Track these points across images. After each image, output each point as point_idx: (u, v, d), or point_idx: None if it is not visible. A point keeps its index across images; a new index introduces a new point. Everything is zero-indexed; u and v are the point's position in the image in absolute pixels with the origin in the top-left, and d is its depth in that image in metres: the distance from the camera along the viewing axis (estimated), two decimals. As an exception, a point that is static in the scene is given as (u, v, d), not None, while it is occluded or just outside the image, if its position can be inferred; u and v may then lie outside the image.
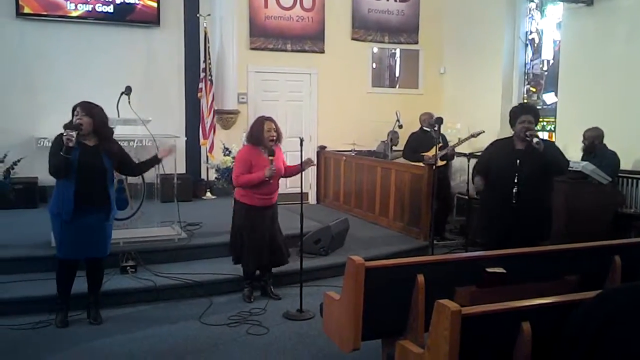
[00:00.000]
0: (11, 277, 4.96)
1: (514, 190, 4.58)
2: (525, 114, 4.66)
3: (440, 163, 6.47)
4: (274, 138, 4.92)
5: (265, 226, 4.98)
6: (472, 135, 7.09)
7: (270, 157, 4.84)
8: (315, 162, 4.96)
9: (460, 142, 7.24)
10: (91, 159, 4.20)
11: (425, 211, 6.77)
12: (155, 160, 4.76)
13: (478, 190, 5.05)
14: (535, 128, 4.76)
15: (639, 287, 1.85)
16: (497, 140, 5.15)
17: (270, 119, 5.00)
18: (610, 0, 6.80)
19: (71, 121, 4.24)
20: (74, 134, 4.04)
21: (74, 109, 4.26)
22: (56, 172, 4.16)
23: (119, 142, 4.61)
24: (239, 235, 5.02)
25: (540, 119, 8.17)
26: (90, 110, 4.24)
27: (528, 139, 4.53)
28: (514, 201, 4.58)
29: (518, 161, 4.60)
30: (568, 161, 4.91)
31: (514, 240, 4.59)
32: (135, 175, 5.19)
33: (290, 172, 5.18)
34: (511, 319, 2.44)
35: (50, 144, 4.34)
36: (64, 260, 4.33)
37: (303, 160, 4.99)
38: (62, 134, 4.12)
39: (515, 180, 4.57)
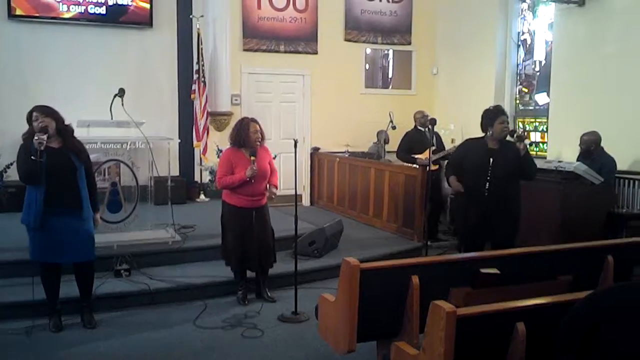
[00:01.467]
0: (4, 281, 4.94)
1: (486, 187, 4.78)
2: (502, 114, 4.87)
3: (433, 167, 6.49)
4: (260, 139, 4.92)
5: (253, 228, 4.91)
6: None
7: (252, 157, 4.80)
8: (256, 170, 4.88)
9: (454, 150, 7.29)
10: (60, 160, 4.15)
11: (419, 212, 6.79)
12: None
13: (457, 190, 5.21)
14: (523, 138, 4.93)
15: (626, 288, 1.87)
16: (467, 139, 5.31)
17: (254, 120, 4.98)
18: (601, 1, 6.83)
19: (28, 130, 4.18)
20: (44, 136, 4.01)
21: (30, 115, 4.20)
22: (29, 178, 4.10)
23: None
24: (225, 236, 5.02)
25: (533, 119, 8.28)
26: (49, 112, 4.21)
27: (513, 139, 4.77)
28: (485, 198, 4.78)
29: (491, 159, 4.80)
30: (536, 167, 5.05)
31: (488, 237, 4.78)
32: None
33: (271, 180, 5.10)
34: (506, 320, 2.46)
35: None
36: (41, 264, 4.27)
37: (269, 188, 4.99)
38: (26, 141, 4.10)
39: (488, 177, 4.78)
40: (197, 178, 8.74)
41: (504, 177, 4.75)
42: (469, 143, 5.17)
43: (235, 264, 5.01)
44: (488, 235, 4.88)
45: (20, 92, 7.82)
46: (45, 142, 4.00)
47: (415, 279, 3.06)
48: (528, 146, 4.94)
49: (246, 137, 4.87)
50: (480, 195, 4.82)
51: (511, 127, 4.98)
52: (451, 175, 5.19)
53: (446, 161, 7.70)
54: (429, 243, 6.39)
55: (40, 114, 4.16)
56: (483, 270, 3.21)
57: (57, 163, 4.13)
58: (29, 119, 4.21)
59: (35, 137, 3.99)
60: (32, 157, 3.98)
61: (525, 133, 4.78)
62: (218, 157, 6.63)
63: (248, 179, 4.80)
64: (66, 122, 4.32)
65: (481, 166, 4.83)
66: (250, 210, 4.92)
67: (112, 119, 6.32)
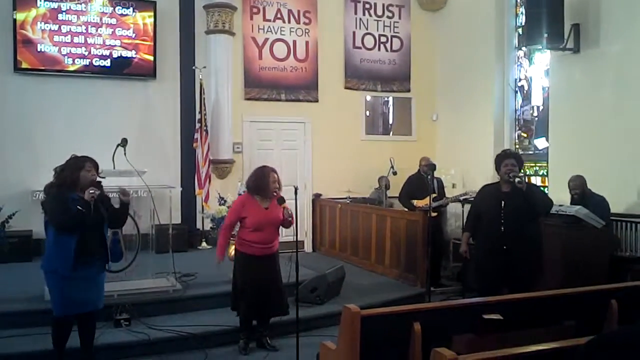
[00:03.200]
0: (7, 332, 4.88)
1: (501, 230, 4.77)
2: (508, 158, 4.94)
3: (433, 214, 6.50)
4: (277, 189, 4.97)
5: (264, 276, 4.92)
6: (467, 194, 7.14)
7: (284, 205, 4.89)
8: (291, 212, 4.95)
9: (454, 199, 7.36)
10: (91, 212, 4.17)
11: (421, 258, 6.75)
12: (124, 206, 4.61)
13: (462, 250, 5.35)
14: (520, 172, 4.97)
15: (626, 334, 1.86)
16: (485, 185, 5.35)
17: (274, 170, 5.04)
18: (595, 48, 6.98)
19: (70, 176, 4.18)
20: (98, 191, 4.12)
21: (83, 162, 4.23)
22: (69, 228, 4.10)
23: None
24: (236, 285, 5.00)
25: (533, 164, 8.33)
26: (97, 166, 4.32)
27: (511, 179, 4.77)
28: (501, 242, 4.76)
29: (503, 203, 4.82)
30: (552, 202, 5.11)
31: (506, 282, 4.71)
32: (115, 222, 4.73)
33: (284, 224, 5.10)
34: (509, 367, 2.42)
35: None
36: (60, 318, 4.22)
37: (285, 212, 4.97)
38: (62, 189, 4.12)
39: (502, 221, 4.78)
40: (199, 225, 8.74)
41: (516, 219, 4.74)
42: (484, 189, 5.22)
43: (245, 310, 4.95)
44: (504, 279, 4.82)
45: (24, 144, 7.93)
46: (96, 196, 4.10)
47: (417, 326, 3.02)
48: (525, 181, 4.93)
49: (265, 185, 4.91)
50: (494, 240, 4.82)
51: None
52: (465, 232, 5.32)
53: (445, 207, 7.80)
54: (432, 288, 6.34)
55: (93, 167, 4.26)
56: (485, 316, 3.18)
57: (97, 212, 4.19)
58: (77, 167, 4.20)
59: (90, 190, 4.07)
60: (79, 207, 4.04)
61: (524, 177, 4.80)
62: (220, 204, 6.64)
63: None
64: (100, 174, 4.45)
65: (494, 210, 4.87)
66: (264, 258, 4.92)
67: (114, 168, 6.37)
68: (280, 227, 5.08)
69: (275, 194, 4.95)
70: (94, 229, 4.20)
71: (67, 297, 4.15)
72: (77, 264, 4.10)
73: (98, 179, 4.28)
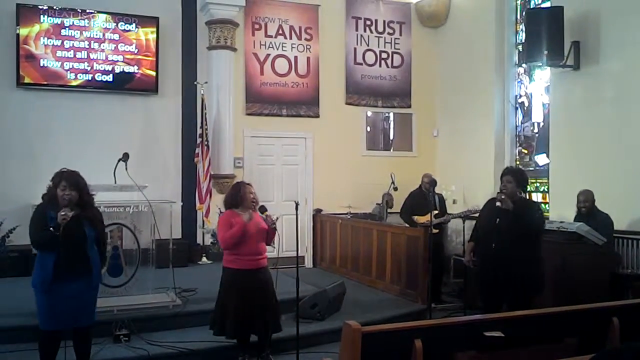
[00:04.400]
0: (6, 347, 4.86)
1: (492, 247, 4.84)
2: (505, 175, 4.99)
3: (434, 230, 6.50)
4: (255, 201, 5.04)
5: (255, 291, 4.87)
6: (469, 211, 7.16)
7: (266, 213, 4.97)
8: (274, 219, 5.00)
9: (456, 216, 7.37)
10: (73, 229, 4.08)
11: (422, 274, 6.73)
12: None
13: (465, 260, 5.41)
14: (523, 188, 5.04)
15: (632, 350, 1.85)
16: (490, 199, 5.33)
17: (249, 184, 5.17)
18: (595, 64, 7.02)
19: (50, 192, 4.16)
20: (70, 214, 3.99)
21: (59, 180, 4.15)
22: (41, 247, 4.09)
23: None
24: (222, 304, 4.91)
25: (533, 180, 8.33)
26: (77, 183, 4.17)
27: (496, 197, 4.84)
28: (492, 257, 4.83)
29: (498, 219, 4.87)
30: (543, 222, 5.12)
31: (502, 298, 4.72)
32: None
33: (268, 233, 5.10)
34: (511, 385, 2.41)
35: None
36: (45, 332, 4.18)
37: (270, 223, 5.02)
38: (44, 206, 4.11)
39: (494, 237, 4.85)
40: (199, 240, 8.73)
41: (509, 235, 4.76)
42: (489, 202, 5.23)
43: (232, 328, 4.86)
44: (500, 295, 4.86)
45: (25, 158, 7.94)
46: (69, 219, 3.97)
47: (418, 343, 3.00)
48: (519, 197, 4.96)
49: (243, 195, 4.98)
50: (489, 254, 4.89)
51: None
52: (469, 242, 5.37)
53: (446, 224, 7.81)
54: (433, 305, 6.31)
55: (68, 185, 4.11)
56: (487, 334, 3.16)
57: (70, 232, 4.05)
58: (55, 183, 4.16)
59: (62, 212, 3.95)
60: (51, 227, 3.96)
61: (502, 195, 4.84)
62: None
63: (246, 221, 4.86)
64: (91, 192, 4.35)
65: (489, 225, 4.95)
66: (253, 271, 4.89)
67: (115, 183, 6.38)
68: (266, 244, 5.07)
69: (254, 203, 5.01)
70: (75, 247, 4.10)
71: (50, 313, 4.11)
72: (56, 281, 4.04)
73: (92, 192, 4.21)
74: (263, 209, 5.00)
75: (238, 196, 5.00)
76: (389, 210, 8.56)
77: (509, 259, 4.75)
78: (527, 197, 5.56)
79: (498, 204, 4.76)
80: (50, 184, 4.23)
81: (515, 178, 4.95)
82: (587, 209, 6.13)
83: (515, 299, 4.72)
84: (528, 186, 5.52)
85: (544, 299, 4.99)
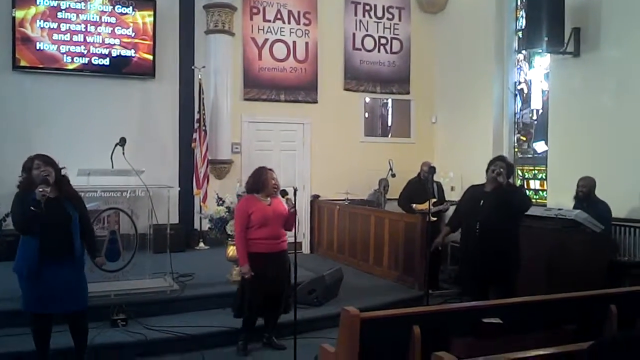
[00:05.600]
0: (4, 330, 4.85)
1: (476, 227, 4.91)
2: (496, 161, 5.10)
3: (432, 218, 6.49)
4: (277, 187, 5.03)
5: (275, 272, 4.90)
6: None
7: (287, 197, 4.95)
8: (293, 202, 5.04)
9: (454, 203, 7.34)
10: (55, 209, 4.07)
11: (419, 260, 6.74)
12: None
13: (435, 244, 5.69)
14: (509, 178, 5.10)
15: (629, 339, 1.86)
16: (471, 186, 5.42)
17: (272, 170, 5.13)
18: (596, 51, 6.98)
19: (26, 178, 4.15)
20: (48, 188, 3.94)
21: (30, 162, 4.15)
22: (25, 229, 4.05)
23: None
24: (244, 286, 4.93)
25: (532, 167, 8.34)
26: (50, 161, 4.16)
27: (493, 174, 4.93)
28: (476, 236, 4.91)
29: (482, 202, 4.97)
30: (530, 202, 5.27)
31: (489, 280, 4.88)
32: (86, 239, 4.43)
33: (288, 218, 5.11)
34: (509, 371, 2.41)
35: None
36: (33, 314, 4.15)
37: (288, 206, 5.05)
38: (23, 190, 4.08)
39: (478, 219, 4.92)
40: (196, 226, 8.71)
41: (491, 217, 4.84)
42: (469, 189, 5.34)
43: (255, 309, 4.91)
44: (483, 277, 4.93)
45: (22, 142, 7.84)
46: (48, 193, 3.93)
47: (416, 329, 3.00)
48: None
49: (265, 181, 4.99)
50: (471, 237, 4.97)
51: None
52: (446, 226, 5.53)
53: (445, 212, 7.81)
54: (430, 291, 6.32)
55: (42, 163, 4.11)
56: (485, 320, 3.16)
57: (53, 212, 4.03)
58: (28, 167, 4.15)
59: (39, 189, 3.90)
60: (31, 207, 3.89)
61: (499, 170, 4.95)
62: (218, 205, 6.60)
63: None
64: (63, 170, 4.28)
65: (472, 209, 5.04)
66: (273, 255, 4.92)
67: (112, 167, 6.35)
68: (285, 230, 5.08)
69: (275, 189, 5.02)
70: (57, 228, 4.07)
71: (35, 297, 4.07)
72: (42, 265, 4.02)
73: (64, 172, 4.18)
74: (284, 193, 4.97)
75: (260, 182, 5.01)
76: (387, 197, 8.55)
77: (495, 238, 4.82)
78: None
79: (500, 179, 4.84)
80: (23, 174, 4.20)
81: (507, 165, 5.06)
82: (584, 194, 6.13)
83: (499, 278, 4.85)
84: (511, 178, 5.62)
85: (541, 285, 5.00)
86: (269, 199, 5.00)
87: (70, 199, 4.23)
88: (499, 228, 4.84)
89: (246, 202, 5.03)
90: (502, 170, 4.93)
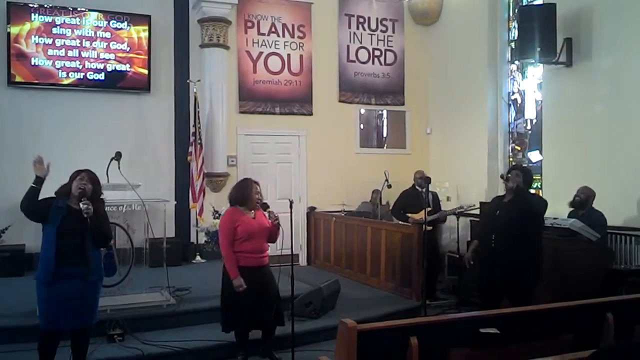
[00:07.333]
0: (1, 347, 4.83)
1: (492, 239, 4.94)
2: (512, 170, 5.20)
3: (428, 228, 6.49)
4: (259, 200, 5.02)
5: (263, 286, 4.88)
6: (462, 207, 7.21)
7: (268, 210, 4.97)
8: (277, 215, 5.04)
9: (450, 212, 7.38)
10: (76, 221, 4.14)
11: (416, 271, 6.73)
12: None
13: (466, 258, 5.48)
14: (529, 185, 5.16)
15: (628, 347, 1.86)
16: (495, 197, 5.53)
17: (256, 182, 5.10)
18: (588, 61, 7.03)
19: (65, 185, 4.25)
20: (91, 208, 4.12)
21: (77, 173, 4.30)
22: (24, 203, 4.18)
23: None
24: (228, 300, 4.91)
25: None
26: (95, 179, 4.34)
27: (502, 179, 5.04)
28: (492, 246, 4.94)
29: (497, 212, 5.01)
30: (545, 202, 5.25)
31: (503, 289, 4.81)
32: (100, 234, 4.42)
33: (272, 231, 5.11)
34: (507, 382, 2.40)
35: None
36: (45, 331, 4.19)
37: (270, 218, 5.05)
38: (56, 194, 4.24)
39: (494, 230, 4.98)
40: (193, 239, 8.69)
41: (506, 227, 4.86)
42: (493, 200, 5.45)
43: (244, 323, 4.89)
44: (498, 288, 4.95)
45: (17, 158, 7.85)
46: (91, 212, 4.10)
47: (414, 340, 3.00)
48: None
49: (249, 195, 4.96)
50: (487, 248, 5.00)
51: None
52: (475, 240, 5.50)
53: (443, 222, 7.85)
54: (427, 302, 6.32)
55: (87, 178, 4.27)
56: (483, 330, 3.16)
57: (72, 220, 4.15)
58: (73, 177, 4.29)
59: (85, 203, 4.11)
60: (32, 184, 4.16)
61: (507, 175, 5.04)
62: (214, 218, 6.61)
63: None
64: (102, 196, 4.49)
65: (489, 219, 5.11)
66: (256, 269, 4.89)
67: (108, 181, 6.34)
68: (269, 242, 5.08)
69: (258, 204, 5.01)
70: (73, 234, 4.14)
71: (51, 310, 4.12)
72: (58, 268, 4.07)
73: (85, 187, 4.26)
74: (265, 206, 5.00)
75: (243, 196, 4.99)
76: (381, 205, 8.56)
77: (510, 249, 4.82)
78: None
79: (510, 184, 4.92)
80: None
81: (522, 172, 5.10)
82: (581, 200, 6.12)
83: (516, 288, 4.81)
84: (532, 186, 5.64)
85: (539, 294, 5.00)
86: (252, 212, 4.98)
87: (95, 212, 4.25)
88: (515, 238, 4.84)
89: (231, 214, 5.00)
90: (509, 175, 5.00)
